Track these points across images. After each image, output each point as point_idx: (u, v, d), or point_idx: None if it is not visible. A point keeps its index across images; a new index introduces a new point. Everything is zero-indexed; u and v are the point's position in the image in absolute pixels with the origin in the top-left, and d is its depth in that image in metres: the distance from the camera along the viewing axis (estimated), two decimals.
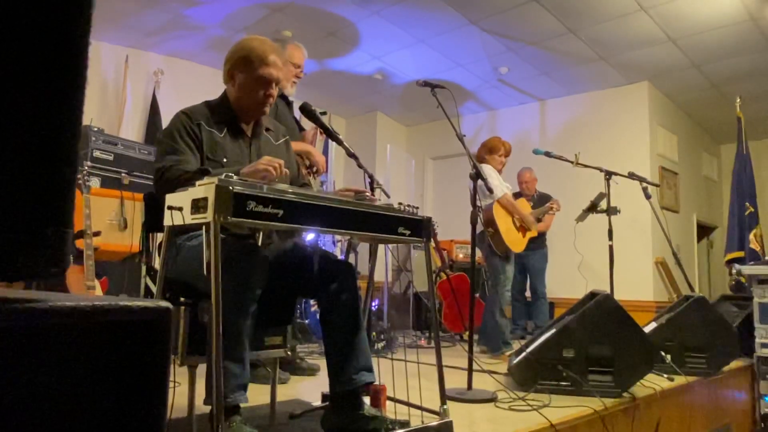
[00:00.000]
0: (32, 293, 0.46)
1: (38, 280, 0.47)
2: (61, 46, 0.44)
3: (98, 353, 0.48)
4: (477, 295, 4.84)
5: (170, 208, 1.53)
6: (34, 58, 0.42)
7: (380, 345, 3.80)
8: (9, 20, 0.41)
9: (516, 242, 3.98)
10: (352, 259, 5.20)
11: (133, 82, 5.33)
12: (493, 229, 3.85)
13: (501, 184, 4.00)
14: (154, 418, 0.49)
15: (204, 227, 1.45)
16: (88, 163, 3.88)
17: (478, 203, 3.82)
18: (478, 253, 5.38)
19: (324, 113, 3.65)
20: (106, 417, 0.48)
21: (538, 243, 4.87)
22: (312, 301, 4.30)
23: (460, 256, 5.94)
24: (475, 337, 3.98)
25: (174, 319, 1.69)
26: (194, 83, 5.55)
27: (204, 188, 1.42)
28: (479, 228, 3.88)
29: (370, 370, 1.84)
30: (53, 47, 0.43)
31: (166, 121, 3.32)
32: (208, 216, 1.39)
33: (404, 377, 2.10)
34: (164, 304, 0.52)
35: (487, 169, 3.95)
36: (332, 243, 5.05)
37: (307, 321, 4.32)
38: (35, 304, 0.43)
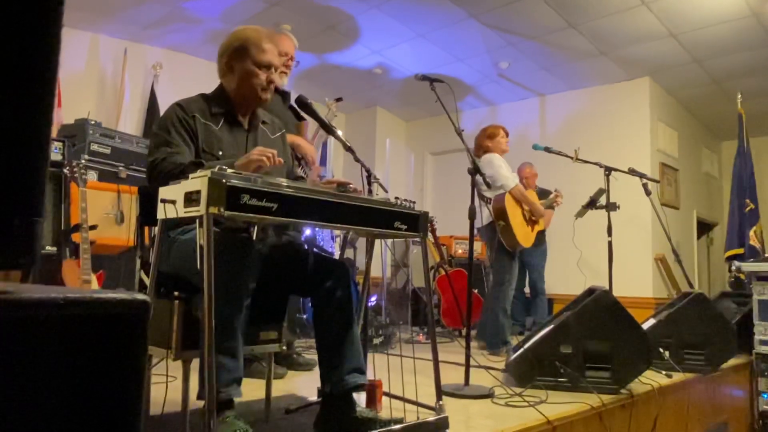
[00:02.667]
0: (3, 285, 0.45)
1: (5, 270, 0.45)
2: (29, 29, 0.42)
3: (71, 346, 0.47)
4: (476, 291, 4.83)
5: (163, 201, 1.51)
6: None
7: (378, 341, 3.79)
8: None
9: (526, 237, 3.87)
10: (350, 254, 5.20)
11: (131, 75, 5.31)
12: (504, 222, 3.70)
13: (511, 175, 3.89)
14: (129, 414, 0.48)
15: (197, 221, 1.44)
16: (86, 157, 3.86)
17: (484, 197, 3.79)
18: (477, 249, 5.38)
19: (339, 99, 3.59)
20: (79, 411, 0.47)
21: (537, 239, 4.85)
22: None
23: (460, 251, 5.92)
24: (474, 332, 3.97)
25: (168, 314, 1.67)
26: (193, 77, 5.52)
27: (197, 181, 1.40)
28: (487, 219, 3.81)
29: (362, 372, 1.82)
30: (20, 30, 0.41)
31: None
32: (201, 209, 1.37)
33: (401, 373, 2.09)
34: (141, 296, 0.50)
35: (495, 159, 3.85)
36: (331, 237, 5.03)
37: (305, 316, 4.30)
38: (3, 296, 0.41)
